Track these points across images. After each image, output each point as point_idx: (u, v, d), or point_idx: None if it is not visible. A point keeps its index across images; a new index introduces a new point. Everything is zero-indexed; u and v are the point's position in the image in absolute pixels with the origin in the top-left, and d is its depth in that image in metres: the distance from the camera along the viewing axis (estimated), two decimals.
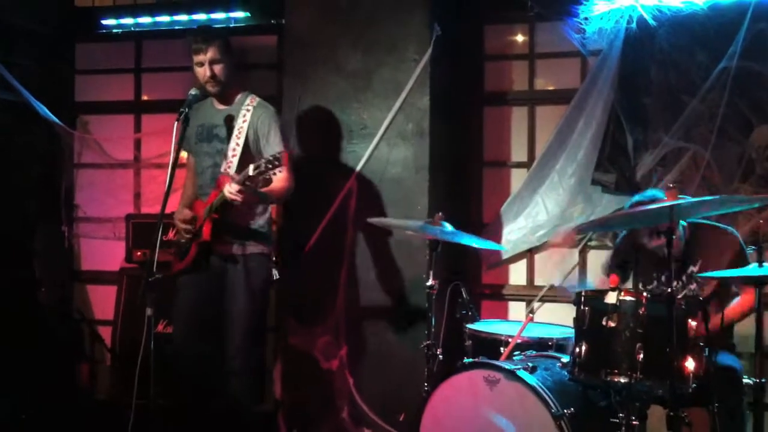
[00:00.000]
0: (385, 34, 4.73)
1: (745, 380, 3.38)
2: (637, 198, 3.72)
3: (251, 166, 3.70)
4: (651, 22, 4.57)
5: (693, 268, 3.76)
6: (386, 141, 4.71)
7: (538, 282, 4.96)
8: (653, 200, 3.52)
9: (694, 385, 3.14)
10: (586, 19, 4.66)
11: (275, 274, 4.14)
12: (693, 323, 3.18)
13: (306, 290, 4.73)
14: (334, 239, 4.69)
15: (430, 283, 3.93)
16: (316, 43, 4.83)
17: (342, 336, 4.68)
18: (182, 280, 4.12)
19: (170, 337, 4.17)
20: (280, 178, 3.90)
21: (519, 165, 5.05)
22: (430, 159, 4.66)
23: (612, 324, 3.24)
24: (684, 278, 3.77)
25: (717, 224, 3.80)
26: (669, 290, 3.11)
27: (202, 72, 4.05)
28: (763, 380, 3.23)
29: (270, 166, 3.65)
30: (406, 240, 4.55)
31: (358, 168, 4.72)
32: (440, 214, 3.93)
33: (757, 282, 3.28)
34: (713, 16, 4.50)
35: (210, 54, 4.01)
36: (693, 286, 3.72)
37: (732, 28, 4.42)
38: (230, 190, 3.74)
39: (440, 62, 4.73)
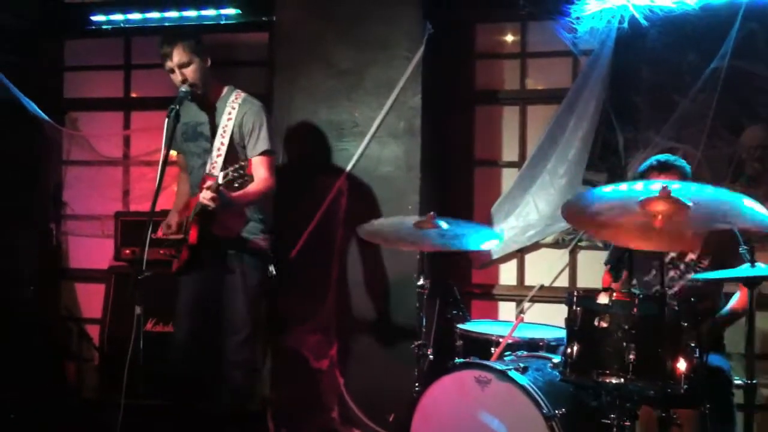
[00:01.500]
0: (377, 32, 4.71)
1: (736, 381, 3.37)
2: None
3: (221, 174, 3.69)
4: (643, 21, 4.57)
5: (692, 256, 3.75)
6: (377, 139, 4.70)
7: (528, 282, 4.95)
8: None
9: (685, 386, 3.12)
10: (577, 18, 4.65)
11: (272, 270, 4.13)
12: (685, 324, 3.16)
13: (297, 289, 4.70)
14: (325, 238, 4.68)
15: (420, 282, 3.92)
16: (306, 40, 4.81)
17: (332, 335, 4.67)
18: (181, 280, 4.10)
19: (163, 336, 4.16)
20: (260, 179, 3.89)
21: (510, 164, 5.05)
22: (421, 158, 4.65)
23: (604, 324, 3.22)
24: (682, 267, 3.76)
25: None
26: (661, 291, 3.11)
27: (175, 78, 3.99)
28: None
29: (236, 174, 3.63)
30: None
31: (349, 167, 4.70)
32: (432, 213, 3.90)
33: (748, 283, 3.27)
34: (705, 16, 4.51)
35: (177, 58, 3.94)
36: (690, 275, 3.70)
37: (723, 27, 4.43)
38: (204, 196, 3.72)
39: (432, 61, 4.72)
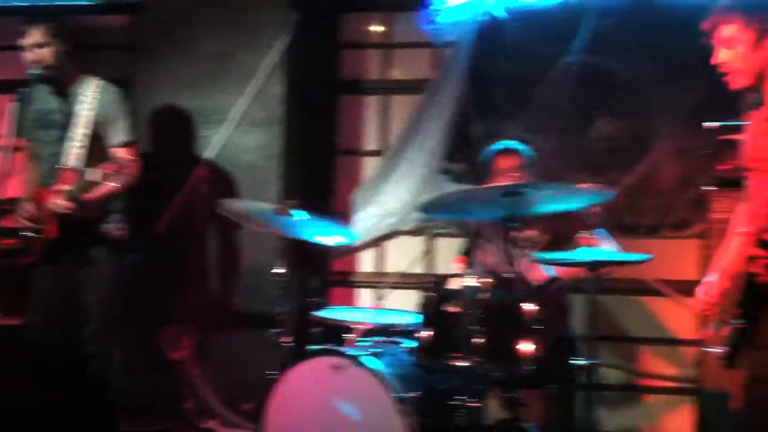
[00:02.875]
0: (242, 18, 4.67)
1: (578, 362, 3.48)
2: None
3: (66, 188, 3.67)
4: (503, 15, 4.69)
5: (535, 239, 3.89)
6: (240, 127, 4.66)
7: (387, 269, 5.00)
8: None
9: (530, 367, 3.22)
10: (439, 10, 4.73)
11: (129, 259, 4.10)
12: (530, 307, 3.27)
13: (154, 278, 4.61)
14: (185, 227, 4.60)
15: (280, 270, 3.90)
16: (169, 24, 4.73)
17: (190, 325, 4.60)
18: (35, 271, 3.99)
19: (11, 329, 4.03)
20: (121, 170, 3.83)
21: (372, 154, 5.08)
22: (284, 146, 4.64)
23: (455, 309, 3.31)
24: (527, 249, 3.89)
25: None
26: (508, 276, 3.22)
27: (30, 57, 3.87)
28: (595, 361, 3.37)
29: (87, 186, 3.65)
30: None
31: (210, 155, 4.64)
32: (291, 201, 3.88)
33: (591, 267, 3.41)
34: (561, 11, 4.66)
35: (34, 37, 3.83)
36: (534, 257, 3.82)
37: (577, 23, 4.57)
38: (60, 204, 3.71)
39: (297, 49, 4.71)
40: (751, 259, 2.46)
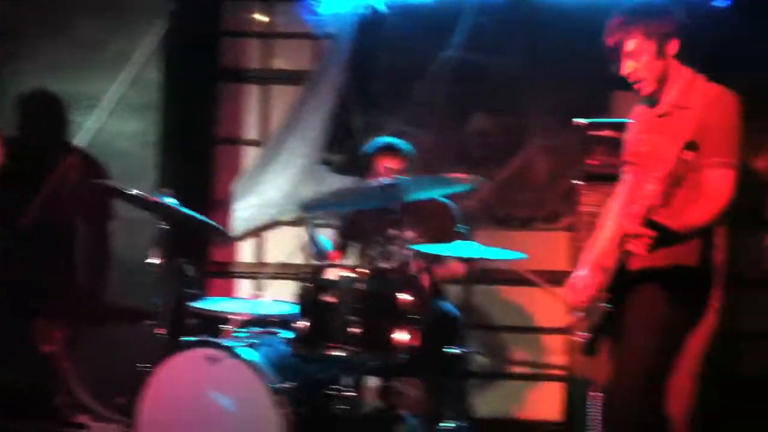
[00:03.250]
0: (119, 2, 4.56)
1: (452, 350, 3.57)
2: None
3: None
4: (383, 8, 4.73)
5: (410, 234, 3.96)
6: (116, 114, 4.53)
7: (267, 259, 4.97)
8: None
9: (405, 356, 3.28)
10: (320, 1, 4.73)
11: None
12: (405, 297, 3.32)
13: (22, 269, 4.43)
14: (54, 216, 4.44)
15: (154, 260, 3.82)
16: (42, 7, 4.55)
17: (62, 318, 4.45)
18: None
19: None
20: None
21: (253, 143, 5.04)
22: (162, 134, 4.55)
23: (331, 299, 3.33)
24: (402, 242, 3.95)
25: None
26: (383, 267, 3.26)
27: None
28: (467, 350, 3.47)
29: None
30: (131, 217, 4.39)
31: (82, 141, 4.50)
32: (167, 189, 3.81)
33: (466, 259, 3.51)
34: (440, 7, 4.72)
35: None
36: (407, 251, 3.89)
37: (455, 19, 4.65)
38: None
39: (176, 34, 4.61)
40: (635, 237, 2.56)
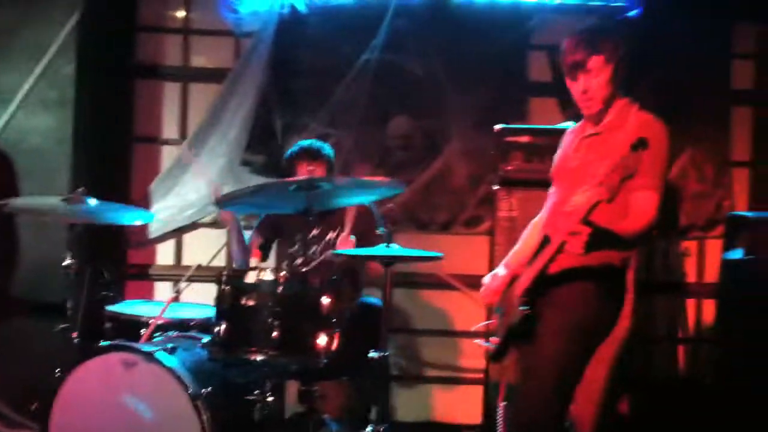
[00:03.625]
0: None
1: (371, 354, 3.56)
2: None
3: None
4: (303, 8, 4.70)
5: (332, 235, 3.96)
6: (25, 108, 4.40)
7: (186, 262, 4.90)
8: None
9: (325, 360, 3.27)
10: None
11: None
12: (326, 301, 3.31)
13: None
14: None
15: (67, 263, 3.71)
16: None
17: None
18: None
19: None
20: None
21: (171, 142, 4.95)
22: (75, 131, 4.43)
23: (251, 303, 3.28)
24: (323, 244, 3.95)
25: None
26: (303, 269, 3.25)
27: None
28: (386, 353, 3.48)
29: None
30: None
31: None
32: (82, 189, 3.71)
33: (385, 261, 3.52)
34: (360, 8, 4.73)
35: None
36: (331, 251, 3.89)
37: (376, 21, 4.67)
38: None
39: (90, 28, 4.50)
40: (573, 234, 2.60)
